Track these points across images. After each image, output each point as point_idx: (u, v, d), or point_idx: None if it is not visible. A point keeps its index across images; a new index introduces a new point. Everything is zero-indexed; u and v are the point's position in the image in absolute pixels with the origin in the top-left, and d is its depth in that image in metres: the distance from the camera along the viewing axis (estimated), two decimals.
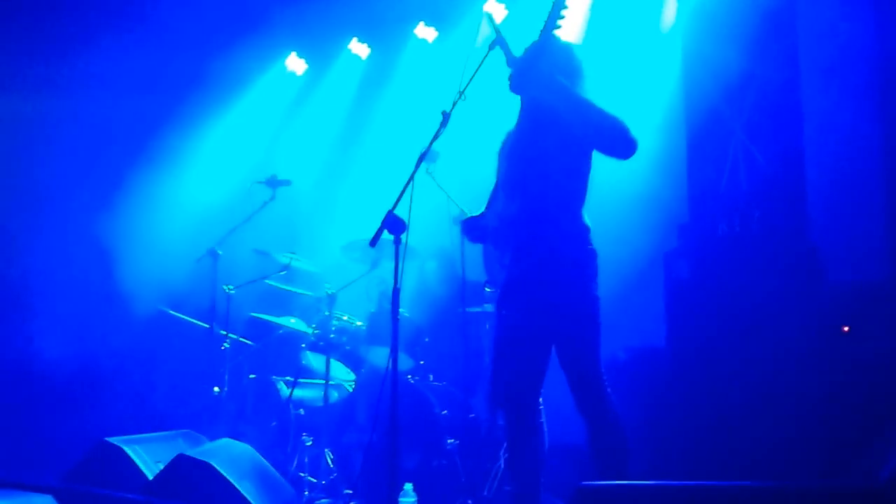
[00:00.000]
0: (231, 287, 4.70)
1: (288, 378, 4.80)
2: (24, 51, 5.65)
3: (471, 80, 2.79)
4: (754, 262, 3.61)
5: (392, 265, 2.79)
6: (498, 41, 2.82)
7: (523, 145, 2.87)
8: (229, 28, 5.65)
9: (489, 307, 4.22)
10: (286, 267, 4.74)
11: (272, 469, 3.62)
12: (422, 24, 5.62)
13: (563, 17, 2.65)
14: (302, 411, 4.55)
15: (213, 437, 4.08)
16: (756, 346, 3.43)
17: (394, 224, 2.75)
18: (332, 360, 4.53)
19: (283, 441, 4.47)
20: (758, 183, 3.78)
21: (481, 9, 5.19)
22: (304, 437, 4.39)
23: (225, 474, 3.23)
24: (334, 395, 4.76)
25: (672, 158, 4.24)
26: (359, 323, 4.71)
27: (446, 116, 2.78)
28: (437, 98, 3.43)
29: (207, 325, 4.80)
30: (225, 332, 4.71)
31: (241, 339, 4.96)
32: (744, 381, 3.43)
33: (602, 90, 2.79)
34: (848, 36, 3.68)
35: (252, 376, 4.97)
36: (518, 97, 2.89)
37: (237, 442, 3.73)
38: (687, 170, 4.13)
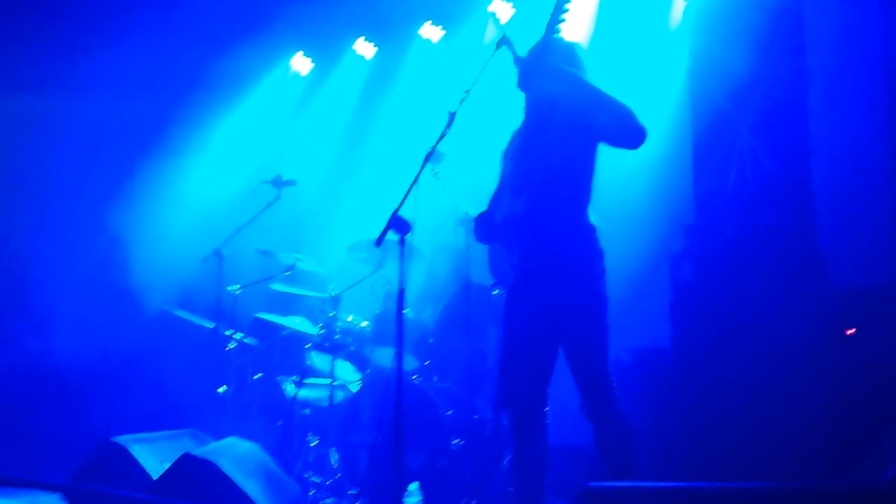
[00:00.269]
0: (236, 287, 4.71)
1: (293, 378, 4.81)
2: (23, 51, 5.67)
3: (476, 79, 2.79)
4: (760, 264, 3.60)
5: (397, 266, 2.79)
6: (504, 41, 2.83)
7: (529, 145, 2.87)
8: (235, 28, 5.65)
9: (495, 307, 4.22)
10: (291, 267, 4.75)
11: (277, 468, 3.63)
12: (427, 23, 5.62)
13: (564, 20, 2.66)
14: (307, 411, 4.56)
15: (218, 437, 4.08)
16: (761, 348, 3.42)
17: (399, 224, 2.75)
18: (337, 361, 4.54)
19: (288, 441, 4.48)
20: (764, 185, 3.77)
21: (487, 9, 5.19)
22: (309, 437, 4.40)
23: (230, 474, 3.23)
24: (339, 396, 4.77)
25: (678, 159, 4.24)
26: (364, 323, 4.71)
27: (452, 116, 2.78)
28: (443, 98, 3.43)
29: (213, 326, 4.81)
30: (230, 333, 4.72)
31: (246, 339, 4.97)
32: (748, 383, 3.42)
33: (613, 92, 2.78)
34: (855, 37, 3.67)
35: (257, 376, 4.98)
36: (523, 97, 2.90)
37: (242, 441, 3.74)
38: (693, 171, 4.12)
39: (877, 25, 3.63)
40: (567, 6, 2.64)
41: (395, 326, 2.80)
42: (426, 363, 4.45)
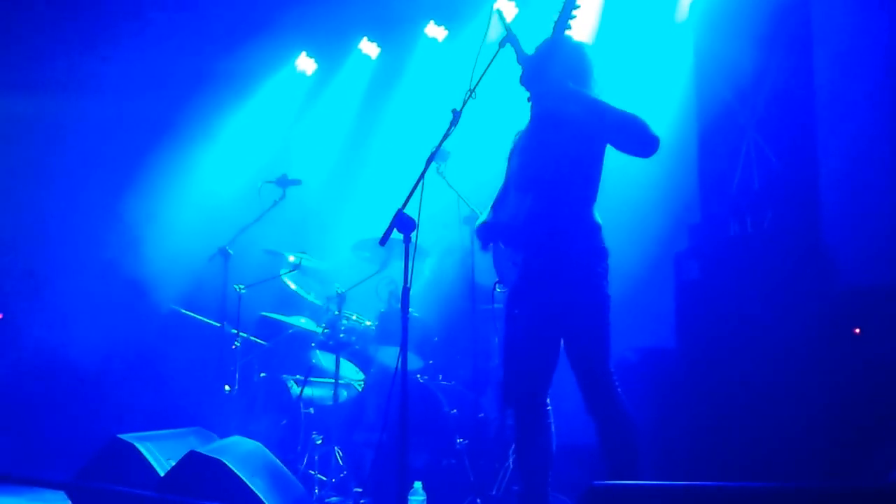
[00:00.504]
0: (242, 286, 4.72)
1: (298, 377, 4.81)
2: (36, 53, 5.70)
3: (481, 78, 2.78)
4: (765, 262, 3.59)
5: (402, 264, 2.79)
6: (508, 39, 2.82)
7: (535, 143, 2.86)
8: (239, 28, 5.67)
9: (499, 306, 4.22)
10: (297, 266, 4.76)
11: (283, 467, 3.64)
12: (432, 23, 5.62)
13: (574, 17, 2.65)
14: (312, 410, 4.56)
15: (223, 435, 4.10)
16: (766, 347, 3.41)
17: (404, 223, 2.75)
18: (341, 360, 4.54)
19: (293, 439, 4.49)
20: (770, 183, 3.75)
21: (491, 7, 5.18)
22: (314, 436, 4.40)
23: (236, 471, 3.24)
24: (344, 394, 4.77)
25: (683, 157, 4.22)
26: (368, 322, 4.72)
27: (457, 115, 2.78)
28: (448, 97, 3.43)
29: (218, 324, 4.82)
30: (236, 331, 4.73)
31: (251, 338, 4.98)
32: (753, 382, 3.41)
33: (615, 89, 2.78)
34: (862, 34, 3.65)
35: (262, 375, 4.99)
36: (529, 95, 2.89)
37: (248, 439, 3.75)
38: (698, 169, 4.11)
39: (884, 21, 3.61)
40: (576, 5, 2.63)
41: (399, 325, 2.80)
42: (430, 362, 4.45)
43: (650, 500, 1.92)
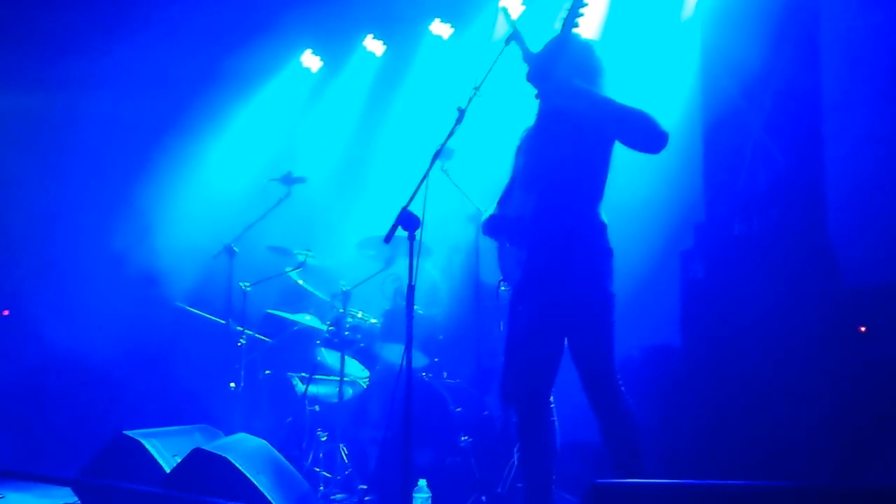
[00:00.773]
0: (247, 284, 4.73)
1: (303, 374, 4.82)
2: (44, 51, 5.72)
3: (486, 76, 2.78)
4: (771, 261, 3.57)
5: (407, 262, 2.79)
6: (514, 36, 2.82)
7: (541, 141, 2.86)
8: (245, 25, 5.68)
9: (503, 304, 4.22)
10: (302, 264, 4.77)
11: (287, 464, 3.65)
12: (437, 20, 5.62)
13: (582, 15, 2.64)
14: (317, 407, 4.58)
15: (228, 432, 4.11)
16: (771, 346, 3.39)
17: (408, 221, 2.75)
18: (346, 357, 4.55)
19: (298, 436, 4.50)
20: (776, 181, 3.73)
21: (497, 4, 5.18)
22: (318, 433, 4.42)
23: (241, 468, 3.25)
24: (349, 392, 4.78)
25: (688, 155, 4.21)
26: (373, 320, 4.72)
27: (462, 113, 2.78)
28: (453, 95, 3.43)
29: (224, 322, 4.83)
30: (241, 329, 4.74)
31: (256, 335, 4.99)
32: (759, 382, 3.40)
33: (623, 87, 2.77)
34: (870, 32, 3.63)
35: (267, 372, 5.00)
36: (535, 94, 2.89)
37: (253, 437, 3.76)
38: (703, 167, 4.09)
39: (892, 19, 3.59)
40: (584, 3, 2.62)
41: (404, 323, 2.80)
42: (435, 360, 4.46)
43: (653, 498, 1.92)
